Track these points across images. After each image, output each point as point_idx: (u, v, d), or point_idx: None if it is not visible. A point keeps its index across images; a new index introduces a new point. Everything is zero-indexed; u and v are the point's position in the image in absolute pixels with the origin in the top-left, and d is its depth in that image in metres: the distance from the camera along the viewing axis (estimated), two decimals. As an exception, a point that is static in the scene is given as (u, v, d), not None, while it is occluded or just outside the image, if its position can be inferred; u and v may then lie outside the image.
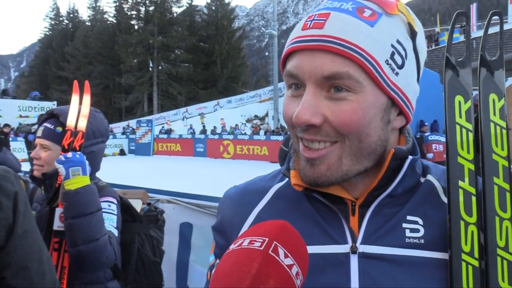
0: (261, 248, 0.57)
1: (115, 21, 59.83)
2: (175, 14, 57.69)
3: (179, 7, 58.36)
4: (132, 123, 34.71)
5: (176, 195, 3.12)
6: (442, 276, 0.68)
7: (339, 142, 0.70)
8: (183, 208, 3.03)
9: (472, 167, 0.70)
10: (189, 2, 58.36)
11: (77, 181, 1.67)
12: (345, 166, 0.71)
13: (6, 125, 15.81)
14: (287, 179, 0.84)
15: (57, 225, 1.70)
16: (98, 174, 2.02)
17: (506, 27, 29.85)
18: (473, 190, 0.70)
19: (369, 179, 0.74)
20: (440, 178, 0.79)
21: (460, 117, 0.72)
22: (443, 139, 9.76)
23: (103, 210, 1.75)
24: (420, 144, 10.83)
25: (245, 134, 25.07)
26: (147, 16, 55.23)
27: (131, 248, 1.96)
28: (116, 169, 11.08)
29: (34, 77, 66.41)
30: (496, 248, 0.67)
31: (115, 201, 1.87)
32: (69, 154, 1.72)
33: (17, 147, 16.34)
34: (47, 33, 69.75)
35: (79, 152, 1.77)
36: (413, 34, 0.72)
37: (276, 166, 0.95)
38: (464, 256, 0.67)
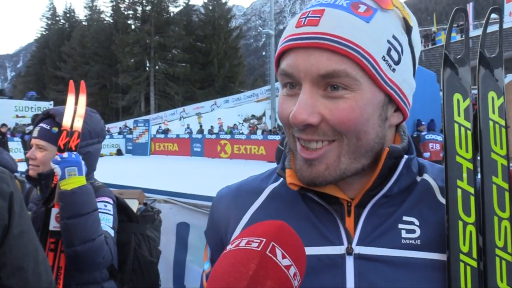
0: (259, 249, 0.56)
1: (111, 21, 59.76)
2: (172, 14, 57.67)
3: (176, 6, 58.37)
4: (129, 123, 34.65)
5: (173, 195, 3.12)
6: (439, 277, 0.68)
7: (337, 141, 0.69)
8: (180, 208, 3.03)
9: (470, 166, 0.69)
10: (186, 1, 58.37)
11: (73, 181, 1.67)
12: (343, 165, 0.70)
13: (3, 125, 15.74)
14: (281, 179, 0.83)
15: (53, 225, 1.70)
16: (95, 174, 2.01)
17: (503, 26, 29.97)
18: (471, 190, 0.69)
19: (365, 179, 0.73)
20: (437, 177, 0.78)
21: (459, 115, 0.71)
22: (440, 138, 9.78)
23: (99, 210, 1.75)
24: (417, 143, 10.86)
25: (242, 133, 25.07)
26: (144, 16, 55.17)
27: (128, 248, 1.95)
28: (113, 169, 11.06)
29: (30, 77, 66.25)
30: (494, 248, 0.66)
31: (111, 201, 1.87)
32: (65, 154, 1.71)
33: (14, 147, 16.31)
34: (44, 32, 69.62)
35: (75, 152, 1.76)
36: (408, 29, 0.71)
37: (273, 166, 0.94)
38: (462, 257, 0.67)
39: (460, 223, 0.68)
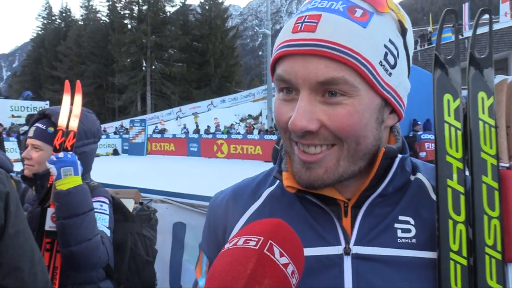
0: (256, 248, 0.57)
1: (108, 21, 59.57)
2: (168, 14, 57.51)
3: (172, 6, 58.20)
4: (126, 122, 34.58)
5: (169, 195, 3.12)
6: (433, 275, 0.69)
7: (337, 145, 0.69)
8: (176, 207, 3.03)
9: (460, 165, 0.70)
10: (183, 1, 58.22)
11: (69, 181, 1.67)
12: (341, 168, 0.71)
13: (-1, 124, 15.66)
14: (278, 181, 0.83)
15: (49, 225, 1.70)
16: (91, 174, 2.01)
17: (498, 26, 30.06)
18: (461, 189, 0.69)
19: (361, 180, 0.74)
20: (429, 176, 0.79)
21: (449, 115, 0.72)
22: (435, 138, 9.80)
23: (95, 210, 1.75)
24: (413, 143, 10.89)
25: (239, 133, 25.07)
26: (140, 16, 55.00)
27: (124, 247, 1.95)
28: (110, 169, 11.04)
29: (26, 77, 65.91)
30: (484, 246, 0.67)
31: (107, 201, 1.87)
32: (61, 154, 1.71)
33: (9, 147, 16.22)
34: (40, 32, 69.30)
35: (70, 152, 1.76)
36: (403, 31, 0.72)
37: (270, 166, 0.95)
38: (452, 255, 0.67)
39: (451, 222, 0.68)
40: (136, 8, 56.04)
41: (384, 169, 0.72)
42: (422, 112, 10.58)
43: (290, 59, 0.68)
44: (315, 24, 0.66)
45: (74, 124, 1.86)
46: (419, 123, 10.91)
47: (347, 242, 0.72)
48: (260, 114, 33.17)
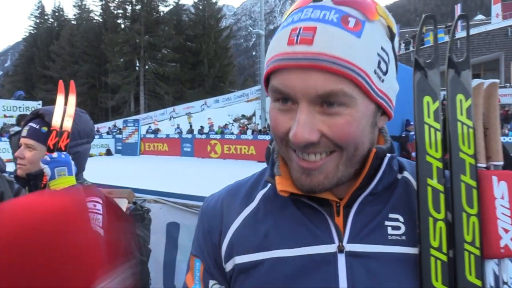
0: None
1: (101, 20, 59.27)
2: (162, 13, 57.27)
3: (166, 6, 57.99)
4: (119, 122, 34.47)
5: (163, 195, 3.12)
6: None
7: (337, 151, 0.71)
8: (170, 207, 3.03)
9: (440, 165, 0.72)
10: (176, 1, 58.04)
11: (63, 181, 1.67)
12: (340, 173, 0.72)
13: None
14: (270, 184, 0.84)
15: (43, 225, 1.70)
16: (84, 175, 2.01)
17: (489, 27, 30.30)
18: (441, 188, 0.72)
19: (352, 180, 0.76)
20: (414, 174, 0.81)
21: (429, 117, 0.74)
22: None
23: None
24: (405, 143, 10.96)
25: (232, 133, 25.06)
26: (133, 15, 54.76)
27: (118, 247, 1.96)
28: (103, 169, 10.98)
29: (18, 77, 65.38)
30: (463, 243, 0.69)
31: (100, 200, 1.87)
32: (55, 154, 1.71)
33: (1, 147, 16.12)
34: (32, 31, 68.77)
35: (64, 152, 1.76)
36: (392, 36, 0.73)
37: (264, 166, 0.96)
38: (433, 251, 0.70)
39: (431, 219, 0.71)
40: (129, 8, 55.80)
41: (374, 169, 0.75)
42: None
43: (287, 72, 0.68)
44: (311, 37, 0.66)
45: (68, 124, 1.86)
46: (411, 123, 10.97)
47: (341, 240, 0.74)
48: (254, 114, 33.19)
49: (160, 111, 42.60)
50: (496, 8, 33.37)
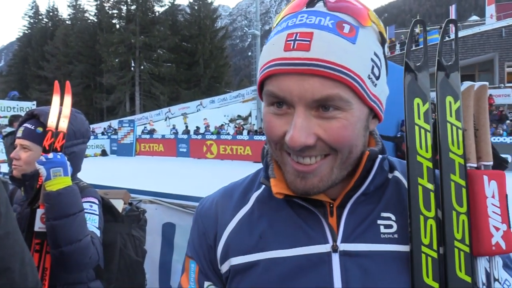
0: None
1: (96, 20, 59.08)
2: (157, 14, 57.22)
3: (161, 6, 57.96)
4: (114, 123, 34.35)
5: (159, 195, 3.12)
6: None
7: (331, 155, 0.72)
8: (165, 208, 3.03)
9: (430, 165, 0.75)
10: (171, 1, 57.98)
11: (58, 182, 1.67)
12: (334, 175, 0.74)
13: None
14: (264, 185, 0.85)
15: (38, 226, 1.69)
16: (79, 175, 2.01)
17: (484, 28, 30.46)
18: (431, 187, 0.74)
19: (345, 181, 0.77)
20: (405, 173, 0.83)
21: (419, 118, 0.76)
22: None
23: (85, 210, 1.75)
24: (400, 144, 10.99)
25: (228, 134, 25.03)
26: (128, 15, 54.64)
27: (113, 248, 1.96)
28: (98, 170, 10.95)
29: (12, 77, 65.04)
30: (453, 240, 0.71)
31: (96, 201, 1.87)
32: (50, 155, 1.71)
33: (-4, 148, 16.03)
34: (26, 31, 68.45)
35: (60, 153, 1.76)
36: (383, 41, 0.75)
37: (260, 166, 0.96)
38: (424, 249, 0.71)
39: (421, 218, 0.73)
40: (124, 8, 55.68)
41: (366, 170, 0.76)
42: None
43: (284, 77, 0.69)
44: (308, 42, 0.66)
45: (63, 125, 1.86)
46: (406, 123, 11.01)
47: (334, 240, 0.75)
48: (250, 115, 33.19)
49: (156, 111, 42.54)
50: (490, 9, 33.58)
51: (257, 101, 28.77)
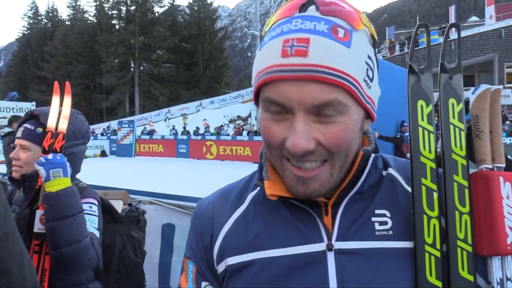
0: None
1: (95, 21, 59.11)
2: (156, 14, 57.28)
3: (160, 7, 58.01)
4: (114, 124, 34.37)
5: (158, 196, 3.12)
6: (410, 262, 0.74)
7: (329, 160, 0.72)
8: (165, 209, 3.03)
9: (433, 165, 0.76)
10: (171, 2, 58.04)
11: (58, 183, 1.66)
12: (334, 179, 0.75)
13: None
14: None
15: (38, 227, 1.69)
16: (79, 176, 2.00)
17: (483, 29, 30.53)
18: (434, 187, 0.75)
19: (340, 181, 0.78)
20: (399, 170, 0.85)
21: (422, 120, 0.77)
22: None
23: (85, 211, 1.74)
24: (400, 144, 11.01)
25: (228, 134, 25.03)
26: (128, 16, 54.67)
27: (113, 249, 1.95)
28: (98, 171, 10.95)
29: (12, 77, 65.00)
30: (456, 239, 0.72)
31: (96, 202, 1.86)
32: (50, 156, 1.70)
33: (-5, 149, 16.01)
34: (26, 32, 68.47)
35: (59, 154, 1.75)
36: (374, 43, 0.76)
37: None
38: (427, 247, 0.73)
39: (425, 217, 0.74)
40: (124, 9, 55.72)
41: (360, 169, 0.77)
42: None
43: (283, 83, 0.68)
44: (305, 48, 0.66)
45: (63, 126, 1.85)
46: (405, 124, 11.02)
47: (329, 238, 0.76)
48: (249, 115, 33.20)
49: (155, 112, 42.55)
50: (490, 10, 33.64)
51: (257, 101, 28.72)
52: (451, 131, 0.76)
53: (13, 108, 23.89)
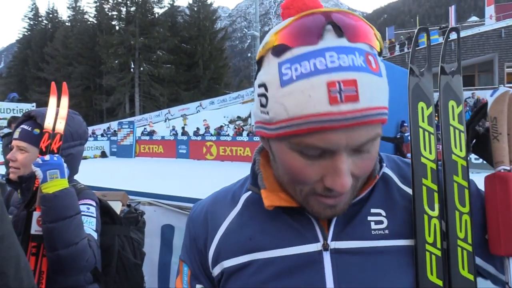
0: None
1: (95, 22, 59.23)
2: (156, 15, 57.37)
3: (160, 7, 58.16)
4: (114, 124, 34.38)
5: (157, 197, 3.11)
6: (406, 261, 0.74)
7: (354, 182, 0.71)
8: (164, 210, 3.02)
9: (434, 166, 0.77)
10: (171, 2, 58.15)
11: (55, 184, 1.65)
12: (353, 195, 0.74)
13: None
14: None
15: (35, 229, 1.68)
16: (79, 177, 1.99)
17: (483, 29, 30.55)
18: (435, 187, 0.76)
19: None
20: (393, 168, 0.84)
21: (423, 121, 0.79)
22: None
23: (82, 213, 1.73)
24: (400, 144, 11.01)
25: (228, 135, 25.04)
26: (128, 17, 54.76)
27: (111, 250, 1.94)
28: (98, 172, 10.95)
29: (12, 78, 65.16)
30: (456, 239, 0.74)
31: (94, 203, 1.85)
32: (47, 157, 1.69)
33: (-5, 150, 16.02)
34: (26, 33, 68.62)
35: (57, 155, 1.74)
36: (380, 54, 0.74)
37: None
38: (428, 247, 0.74)
39: (426, 217, 0.75)
40: (124, 9, 55.81)
41: None
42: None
43: (330, 131, 0.63)
44: (355, 93, 0.61)
45: (60, 127, 1.84)
46: (405, 124, 11.02)
47: (325, 238, 0.76)
48: (249, 116, 33.26)
49: (155, 112, 42.62)
50: (490, 10, 33.65)
51: (257, 102, 28.74)
52: (451, 133, 0.77)
53: (13, 109, 23.90)
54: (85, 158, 21.40)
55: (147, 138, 26.44)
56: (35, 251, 1.70)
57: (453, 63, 0.80)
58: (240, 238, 0.81)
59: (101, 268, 1.88)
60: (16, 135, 1.86)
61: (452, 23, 32.97)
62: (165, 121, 37.07)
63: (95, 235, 1.77)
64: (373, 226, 0.76)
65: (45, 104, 1.89)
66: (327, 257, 0.74)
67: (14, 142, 1.85)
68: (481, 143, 0.81)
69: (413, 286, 0.72)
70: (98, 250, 1.76)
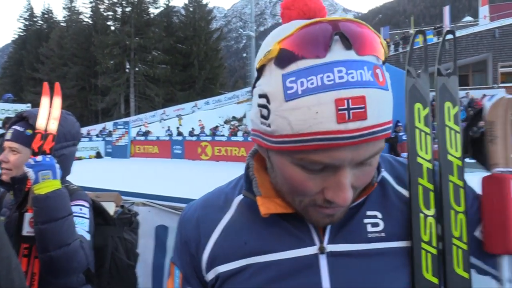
0: None
1: (91, 22, 59.00)
2: (152, 15, 57.24)
3: (156, 8, 58.01)
4: (109, 125, 34.29)
5: (151, 198, 3.10)
6: (403, 262, 0.74)
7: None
8: (158, 210, 3.01)
9: (430, 166, 0.78)
10: (166, 3, 58.06)
11: (47, 185, 1.64)
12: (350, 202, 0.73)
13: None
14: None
15: (27, 230, 1.66)
16: (74, 178, 1.98)
17: (477, 29, 30.71)
18: (431, 186, 0.77)
19: None
20: (388, 169, 0.84)
21: (419, 122, 0.80)
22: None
23: (75, 214, 1.72)
24: (395, 144, 11.06)
25: (223, 135, 25.03)
26: (123, 17, 54.61)
27: (105, 251, 1.93)
28: (92, 172, 10.91)
29: (7, 79, 64.86)
30: (451, 238, 0.75)
31: (86, 204, 1.84)
32: (39, 158, 1.68)
33: (-11, 151, 15.92)
34: (21, 34, 68.25)
35: (49, 156, 1.73)
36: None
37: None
38: (423, 245, 0.74)
39: (421, 216, 0.76)
40: (119, 10, 55.65)
41: None
42: (404, 113, 10.75)
43: (336, 148, 0.62)
44: (363, 110, 0.59)
45: (53, 127, 1.83)
46: (399, 124, 11.06)
47: (321, 241, 0.75)
48: (244, 116, 33.25)
49: (151, 113, 42.52)
50: (484, 10, 33.83)
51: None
52: (446, 133, 0.79)
53: (8, 110, 23.77)
54: (80, 158, 21.31)
55: (142, 138, 26.41)
56: (27, 253, 1.68)
57: (447, 63, 0.81)
58: (235, 243, 0.79)
59: (94, 269, 1.87)
60: (8, 136, 1.84)
61: (447, 23, 33.10)
62: (160, 121, 36.99)
63: (87, 236, 1.75)
64: (369, 228, 0.75)
65: (40, 104, 1.88)
66: (323, 260, 0.73)
67: (6, 143, 1.83)
68: (476, 146, 0.83)
69: (409, 286, 0.72)
70: (91, 251, 1.75)
